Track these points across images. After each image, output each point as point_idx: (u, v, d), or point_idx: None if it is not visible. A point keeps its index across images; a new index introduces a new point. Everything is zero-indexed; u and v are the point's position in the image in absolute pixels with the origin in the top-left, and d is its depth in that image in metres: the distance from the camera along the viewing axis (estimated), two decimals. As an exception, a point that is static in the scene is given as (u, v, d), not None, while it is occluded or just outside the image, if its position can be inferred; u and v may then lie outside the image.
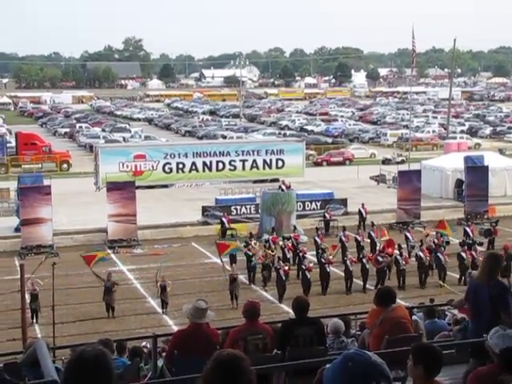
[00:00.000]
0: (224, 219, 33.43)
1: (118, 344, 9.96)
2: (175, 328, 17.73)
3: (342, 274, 26.11)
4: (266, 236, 31.57)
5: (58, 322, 19.87)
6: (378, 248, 27.69)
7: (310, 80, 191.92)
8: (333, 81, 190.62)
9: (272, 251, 27.17)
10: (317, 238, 29.11)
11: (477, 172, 37.15)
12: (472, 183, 36.67)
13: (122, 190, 32.56)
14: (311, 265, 25.51)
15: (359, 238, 29.01)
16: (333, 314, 11.49)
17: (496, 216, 36.29)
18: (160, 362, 9.49)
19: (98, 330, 21.55)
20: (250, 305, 8.92)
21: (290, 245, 28.21)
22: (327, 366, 2.26)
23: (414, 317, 10.68)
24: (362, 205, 34.80)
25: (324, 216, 34.88)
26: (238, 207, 35.70)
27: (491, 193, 37.13)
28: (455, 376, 7.94)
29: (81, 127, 77.15)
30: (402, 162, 51.46)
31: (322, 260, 25.75)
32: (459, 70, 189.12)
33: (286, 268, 25.22)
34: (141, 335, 15.65)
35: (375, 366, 2.18)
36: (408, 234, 29.30)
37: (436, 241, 27.80)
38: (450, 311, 12.64)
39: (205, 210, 35.30)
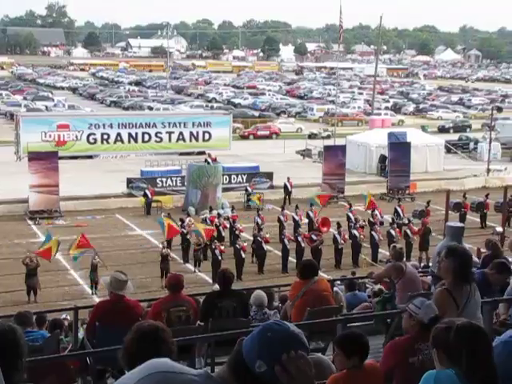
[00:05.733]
0: (147, 191, 33.11)
1: (37, 316, 9.77)
2: (97, 300, 17.52)
3: (278, 252, 26.09)
4: (192, 210, 31.48)
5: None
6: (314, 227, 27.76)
7: (238, 53, 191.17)
8: (261, 54, 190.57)
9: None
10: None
11: (399, 148, 37.94)
12: (395, 159, 37.44)
13: (44, 160, 31.80)
14: (245, 244, 25.35)
15: (296, 218, 28.86)
16: (256, 287, 11.58)
17: (417, 192, 37.28)
18: (81, 334, 9.39)
19: (17, 302, 21.14)
20: (173, 277, 8.91)
21: (225, 223, 27.88)
22: (247, 336, 2.27)
23: (335, 288, 10.89)
24: (288, 179, 35.07)
25: (246, 189, 34.97)
26: (164, 179, 35.42)
27: (413, 169, 37.99)
28: (373, 346, 8.14)
29: (1, 94, 74.81)
30: (328, 136, 52.05)
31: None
32: (385, 47, 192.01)
33: (222, 247, 24.98)
34: (62, 307, 15.40)
35: (293, 336, 2.21)
36: (350, 214, 29.39)
37: (371, 219, 28.31)
38: (370, 284, 12.93)
39: (130, 181, 34.89)
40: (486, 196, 32.35)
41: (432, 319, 5.32)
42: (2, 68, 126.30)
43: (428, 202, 30.77)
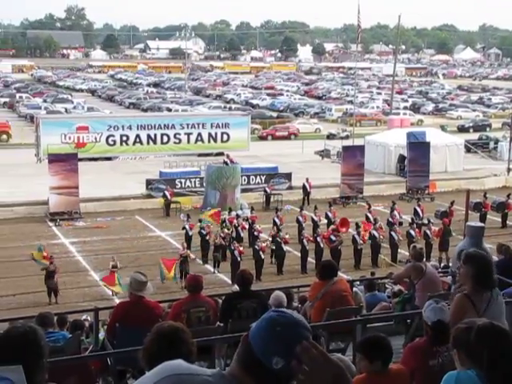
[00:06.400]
0: (167, 192, 33.23)
1: (58, 317, 9.84)
2: (117, 301, 17.60)
3: (297, 253, 26.02)
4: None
5: (-2, 296, 19.53)
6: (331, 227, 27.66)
7: (255, 54, 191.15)
8: (279, 55, 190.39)
9: (228, 229, 26.95)
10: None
11: (419, 148, 37.75)
12: (414, 159, 37.26)
13: (64, 161, 32.03)
14: (264, 244, 25.35)
15: (315, 218, 28.86)
16: (275, 287, 11.58)
17: (437, 192, 37.07)
18: (101, 335, 9.45)
19: (39, 303, 21.30)
20: (192, 278, 8.94)
21: (243, 224, 27.87)
22: (251, 332, 2.26)
23: (354, 289, 10.87)
24: (307, 179, 35.04)
25: (265, 190, 34.95)
26: (183, 180, 35.54)
27: (432, 168, 37.78)
28: (393, 347, 8.11)
29: (21, 97, 75.41)
30: (347, 137, 51.93)
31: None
32: (403, 47, 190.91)
33: (241, 248, 25.00)
34: (82, 308, 15.50)
35: (300, 323, 2.24)
36: (369, 215, 29.29)
37: (390, 219, 28.26)
38: (389, 284, 12.88)
39: (149, 182, 35.04)
40: (508, 196, 32.08)
41: (435, 323, 5.28)
42: (22, 71, 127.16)
43: (452, 203, 30.43)
